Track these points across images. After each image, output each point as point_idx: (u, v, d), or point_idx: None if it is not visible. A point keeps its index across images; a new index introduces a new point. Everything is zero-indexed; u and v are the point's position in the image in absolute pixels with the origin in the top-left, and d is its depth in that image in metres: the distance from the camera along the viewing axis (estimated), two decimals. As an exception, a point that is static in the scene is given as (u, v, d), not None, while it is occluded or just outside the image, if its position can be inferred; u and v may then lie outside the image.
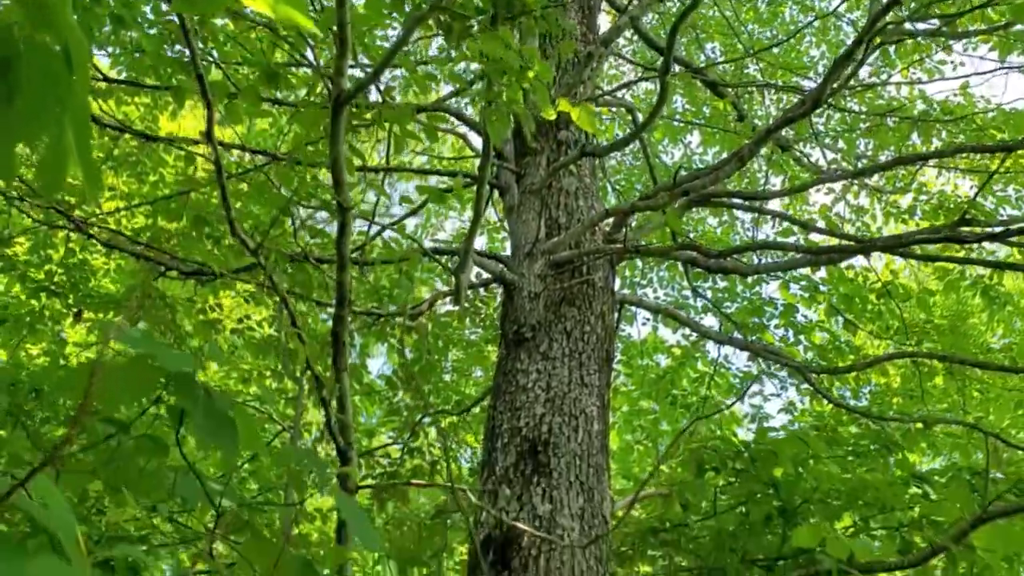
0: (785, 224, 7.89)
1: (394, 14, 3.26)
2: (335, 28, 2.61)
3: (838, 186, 8.35)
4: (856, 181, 7.83)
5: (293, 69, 4.75)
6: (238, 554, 2.58)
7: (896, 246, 4.43)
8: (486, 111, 2.73)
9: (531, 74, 2.71)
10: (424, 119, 3.67)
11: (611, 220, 5.44)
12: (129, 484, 2.18)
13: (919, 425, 5.53)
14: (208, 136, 2.33)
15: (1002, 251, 8.13)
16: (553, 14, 3.14)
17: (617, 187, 9.82)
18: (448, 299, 5.98)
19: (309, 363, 2.55)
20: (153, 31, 4.57)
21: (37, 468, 1.30)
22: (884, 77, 8.50)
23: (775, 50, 9.22)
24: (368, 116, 3.20)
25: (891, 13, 4.39)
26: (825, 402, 7.10)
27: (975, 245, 6.35)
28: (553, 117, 3.20)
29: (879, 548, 4.26)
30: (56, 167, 1.69)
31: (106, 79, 5.15)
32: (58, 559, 1.51)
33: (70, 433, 1.34)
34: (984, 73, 7.08)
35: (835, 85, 4.44)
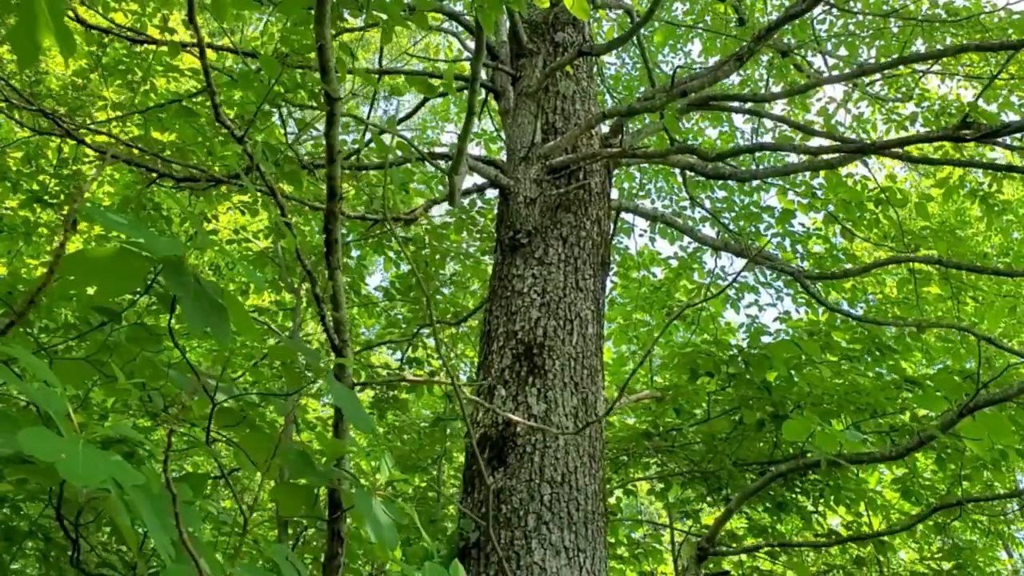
0: (785, 129, 7.80)
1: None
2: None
3: (839, 95, 8.23)
4: (857, 83, 7.70)
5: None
6: (235, 445, 2.61)
7: (895, 146, 4.38)
8: (477, -3, 2.65)
9: (523, -43, 2.62)
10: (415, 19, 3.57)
11: (608, 125, 5.36)
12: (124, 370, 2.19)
13: (913, 329, 5.55)
14: (190, 18, 2.27)
15: (1004, 161, 8.05)
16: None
17: (616, 95, 9.66)
18: (443, 204, 5.94)
19: (299, 253, 2.53)
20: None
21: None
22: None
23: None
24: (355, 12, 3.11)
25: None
26: (820, 312, 7.13)
27: (975, 152, 6.29)
28: (547, 4, 3.12)
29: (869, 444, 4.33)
30: (29, 34, 1.64)
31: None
32: (48, 430, 1.52)
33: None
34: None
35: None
